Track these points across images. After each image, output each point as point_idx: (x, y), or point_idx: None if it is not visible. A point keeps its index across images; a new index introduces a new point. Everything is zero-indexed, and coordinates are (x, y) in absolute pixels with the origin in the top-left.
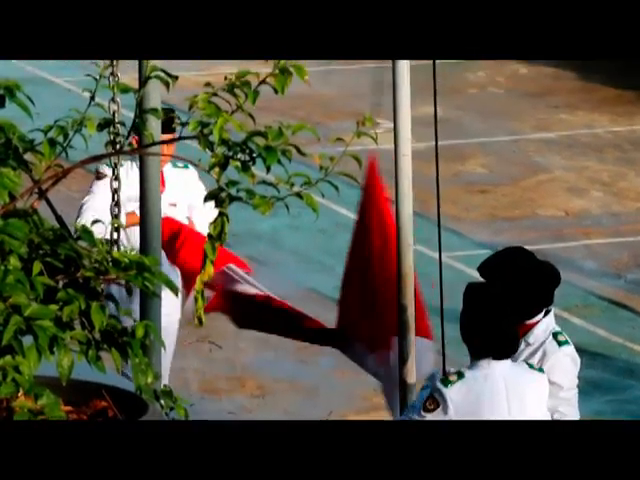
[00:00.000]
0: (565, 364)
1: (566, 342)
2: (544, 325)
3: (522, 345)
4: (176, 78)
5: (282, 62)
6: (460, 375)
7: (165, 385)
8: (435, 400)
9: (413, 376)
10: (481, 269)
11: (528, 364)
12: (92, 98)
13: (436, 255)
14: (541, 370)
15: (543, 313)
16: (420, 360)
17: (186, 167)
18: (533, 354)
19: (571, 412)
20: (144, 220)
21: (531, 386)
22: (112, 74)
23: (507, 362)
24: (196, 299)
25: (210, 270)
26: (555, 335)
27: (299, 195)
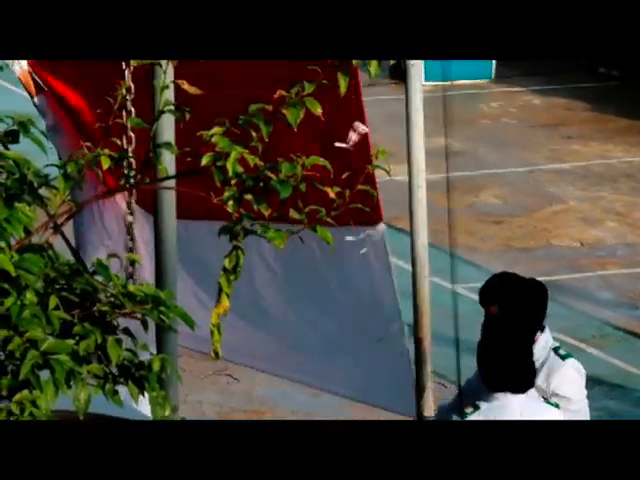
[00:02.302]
0: (572, 376)
1: (569, 355)
2: (543, 342)
3: None
4: (190, 112)
5: (295, 96)
6: (476, 407)
7: (182, 418)
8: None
9: (431, 409)
10: (483, 298)
11: (545, 399)
12: (106, 132)
13: (451, 286)
14: (557, 406)
15: (540, 331)
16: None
17: None
18: (538, 372)
19: None
20: (159, 253)
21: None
22: (125, 109)
23: (523, 396)
24: (212, 333)
25: (226, 303)
26: (556, 350)
27: (313, 228)
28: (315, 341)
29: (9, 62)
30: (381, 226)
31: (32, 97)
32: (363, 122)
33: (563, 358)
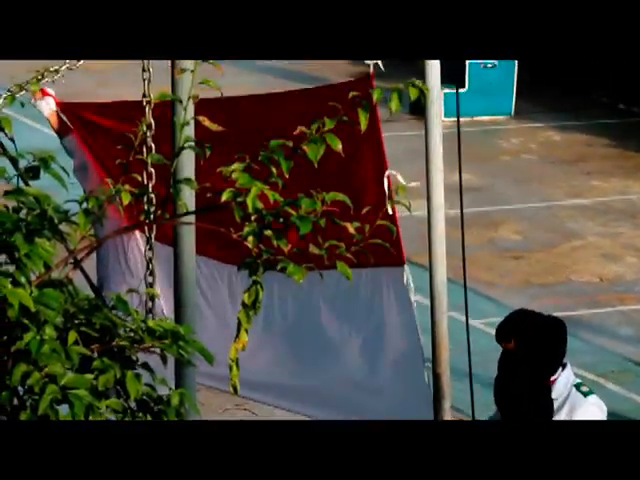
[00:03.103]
0: (594, 414)
1: (590, 392)
2: (564, 379)
3: None
4: (210, 148)
5: (315, 132)
6: None
7: None
8: None
9: None
10: (498, 335)
11: None
12: (127, 168)
13: (470, 322)
14: None
15: (561, 368)
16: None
17: None
18: (559, 409)
19: None
20: (177, 288)
21: None
22: (145, 145)
23: None
24: (231, 367)
25: (244, 338)
26: (578, 387)
27: (333, 264)
28: (337, 378)
29: (37, 102)
30: (405, 268)
31: (60, 137)
32: (383, 157)
33: (585, 395)
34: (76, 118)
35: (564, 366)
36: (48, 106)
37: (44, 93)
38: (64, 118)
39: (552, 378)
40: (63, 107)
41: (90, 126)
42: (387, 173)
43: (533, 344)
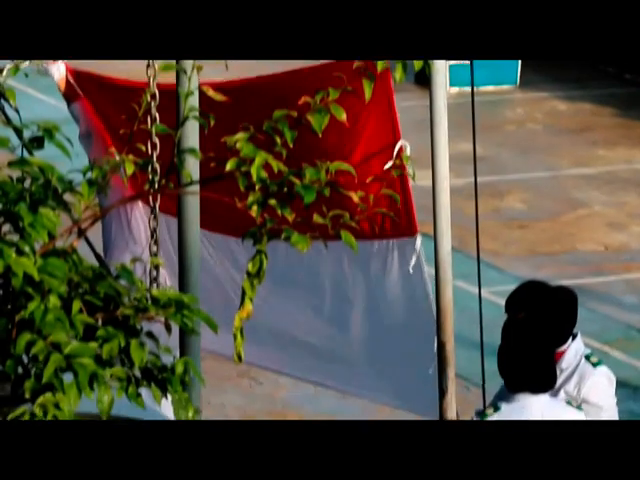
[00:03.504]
0: (603, 384)
1: (600, 362)
2: (574, 349)
3: (557, 371)
4: (214, 118)
5: (319, 102)
6: (496, 408)
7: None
8: None
9: (453, 412)
10: (508, 306)
11: (567, 401)
12: (131, 138)
13: (476, 290)
14: (579, 408)
15: (571, 338)
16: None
17: None
18: (569, 379)
19: None
20: (182, 258)
21: None
22: (149, 115)
23: (544, 397)
24: (235, 336)
25: (249, 307)
26: (587, 357)
27: (337, 234)
28: (345, 349)
29: (47, 67)
30: (417, 237)
31: (68, 103)
32: (395, 127)
33: (594, 365)
34: (85, 85)
35: (574, 336)
36: (58, 71)
37: None
38: (74, 85)
39: (562, 348)
40: (73, 73)
41: (97, 94)
42: (400, 143)
43: (544, 315)
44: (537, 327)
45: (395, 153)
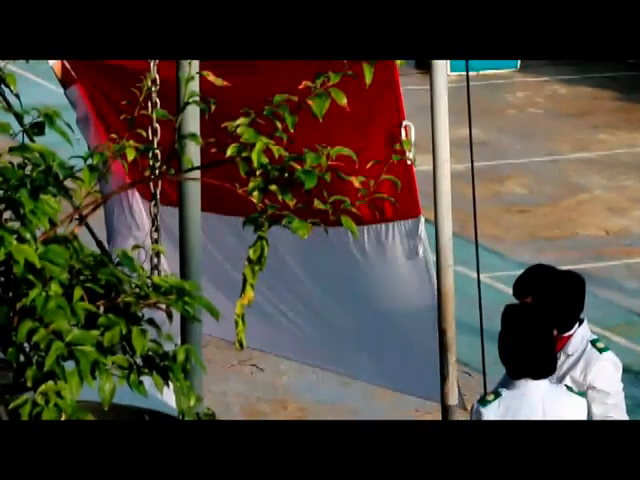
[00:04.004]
0: (609, 370)
1: (606, 348)
2: (580, 335)
3: (562, 357)
4: (215, 103)
5: (320, 87)
6: (497, 394)
7: (207, 408)
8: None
9: (455, 397)
10: (515, 289)
11: (567, 387)
12: (132, 123)
13: (476, 275)
14: (580, 394)
15: (578, 323)
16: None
17: None
18: (575, 364)
19: (620, 416)
20: (183, 244)
21: (569, 408)
22: (150, 100)
23: (545, 382)
24: (236, 323)
25: (250, 294)
26: (594, 343)
27: (338, 219)
28: (347, 333)
29: None
30: (420, 219)
31: (64, 88)
32: (400, 112)
33: (601, 351)
34: (82, 69)
35: (581, 322)
36: None
37: None
38: (70, 69)
39: (568, 334)
40: None
41: (97, 77)
42: (404, 124)
43: (551, 299)
44: (541, 312)
45: (402, 134)
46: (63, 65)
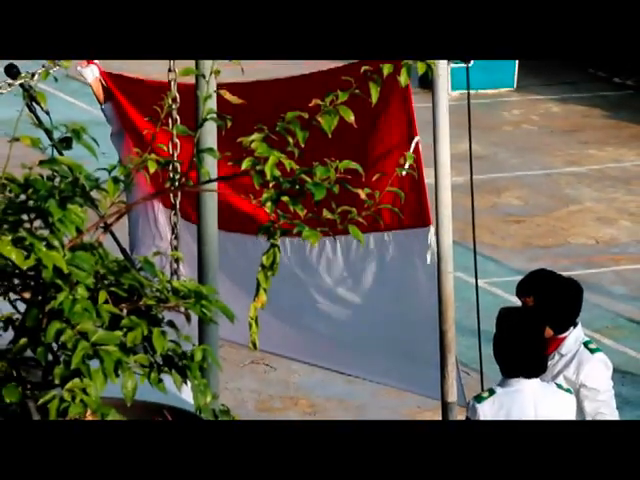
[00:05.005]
0: (600, 369)
1: (597, 349)
2: (574, 337)
3: (557, 357)
4: (231, 120)
5: (329, 105)
6: (492, 392)
7: (223, 405)
8: (469, 420)
9: (454, 395)
10: (518, 289)
11: (557, 384)
12: (154, 138)
13: (474, 281)
14: (569, 391)
15: (573, 326)
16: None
17: None
18: (568, 364)
19: (611, 412)
20: (201, 252)
21: (559, 404)
22: (171, 117)
23: (536, 381)
24: (250, 325)
25: (263, 298)
26: (586, 344)
27: (346, 228)
28: (354, 337)
29: (81, 70)
30: (430, 229)
31: (100, 104)
32: (413, 128)
33: (592, 352)
34: (115, 86)
35: (575, 325)
36: (92, 73)
37: (89, 61)
38: (106, 87)
39: (563, 335)
40: (105, 75)
41: (126, 95)
42: (416, 139)
43: (550, 301)
44: (532, 316)
45: (412, 148)
46: (100, 82)
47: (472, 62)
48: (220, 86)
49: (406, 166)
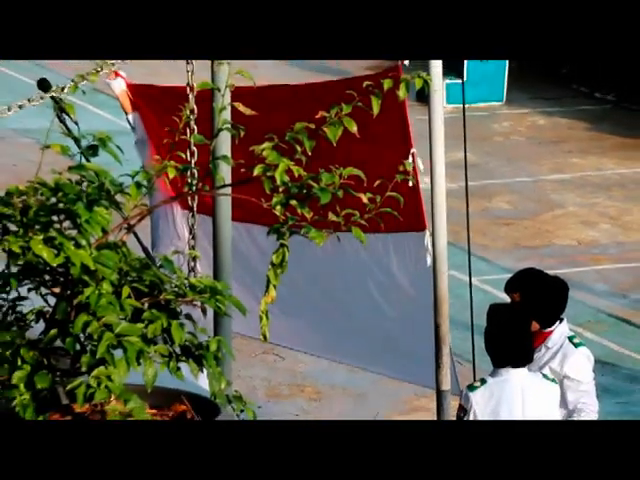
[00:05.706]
0: (582, 362)
1: (581, 344)
2: (559, 332)
3: (543, 350)
4: (244, 130)
5: (334, 116)
6: (483, 381)
7: (236, 391)
8: (462, 407)
9: (448, 383)
10: (506, 286)
11: (543, 374)
12: (173, 146)
13: (467, 279)
14: (553, 381)
15: (558, 322)
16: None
17: None
18: (553, 356)
19: (592, 401)
20: (216, 250)
21: (544, 393)
22: (189, 127)
23: (524, 370)
24: (261, 318)
25: (273, 294)
26: (571, 339)
27: (349, 229)
28: (356, 331)
29: (109, 82)
30: (425, 232)
31: (126, 114)
32: (407, 136)
33: (576, 346)
34: (140, 97)
35: (561, 320)
36: (119, 86)
37: (116, 74)
38: (131, 97)
39: (549, 330)
40: (131, 87)
41: (148, 107)
42: (412, 151)
43: (537, 298)
44: (520, 311)
45: (410, 159)
46: (127, 94)
47: (466, 78)
48: (236, 89)
49: (407, 167)
